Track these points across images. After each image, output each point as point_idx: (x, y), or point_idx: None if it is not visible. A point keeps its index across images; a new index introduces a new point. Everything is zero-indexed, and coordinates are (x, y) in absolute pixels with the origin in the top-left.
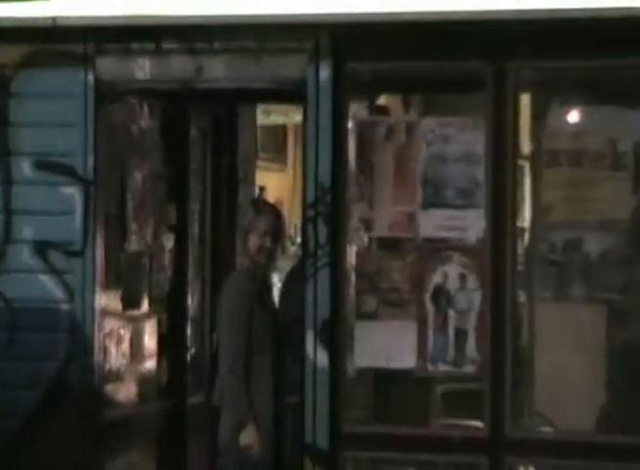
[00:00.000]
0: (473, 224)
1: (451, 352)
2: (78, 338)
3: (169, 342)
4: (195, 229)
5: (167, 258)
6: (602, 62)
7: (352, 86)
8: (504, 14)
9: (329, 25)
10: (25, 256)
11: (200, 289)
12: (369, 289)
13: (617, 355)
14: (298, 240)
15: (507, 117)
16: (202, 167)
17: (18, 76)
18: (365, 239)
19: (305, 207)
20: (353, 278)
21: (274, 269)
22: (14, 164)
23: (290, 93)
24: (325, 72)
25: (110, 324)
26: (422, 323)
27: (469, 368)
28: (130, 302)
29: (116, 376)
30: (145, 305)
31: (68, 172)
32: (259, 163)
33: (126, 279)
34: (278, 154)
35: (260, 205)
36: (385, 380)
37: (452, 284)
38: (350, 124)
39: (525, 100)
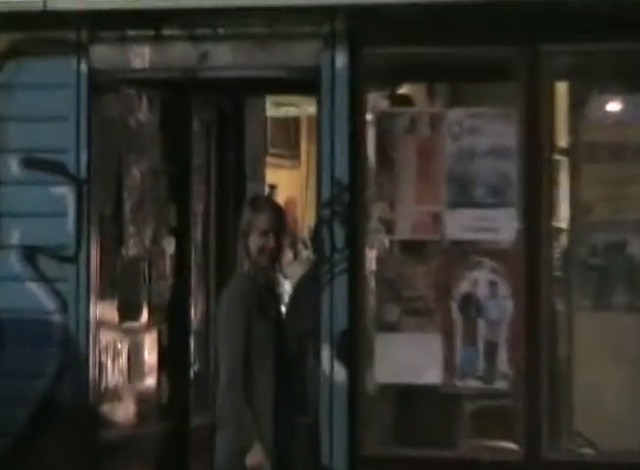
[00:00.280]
0: (504, 225)
1: (481, 367)
2: (71, 352)
3: (171, 356)
4: (198, 232)
5: (168, 264)
6: None
7: (371, 74)
8: None
9: (345, 7)
10: (13, 262)
11: (204, 298)
12: (390, 297)
13: None
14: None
15: (541, 107)
16: (205, 164)
17: (5, 66)
18: (386, 242)
19: (320, 207)
20: (373, 285)
21: (285, 276)
22: (0, 161)
23: (302, 82)
24: (341, 59)
25: (105, 337)
26: (448, 335)
27: (500, 384)
28: (128, 312)
29: (113, 394)
30: (144, 316)
31: (60, 170)
32: (269, 159)
33: (123, 287)
34: (289, 149)
35: (259, 201)
36: (408, 397)
37: (482, 291)
38: (369, 116)
39: (562, 88)
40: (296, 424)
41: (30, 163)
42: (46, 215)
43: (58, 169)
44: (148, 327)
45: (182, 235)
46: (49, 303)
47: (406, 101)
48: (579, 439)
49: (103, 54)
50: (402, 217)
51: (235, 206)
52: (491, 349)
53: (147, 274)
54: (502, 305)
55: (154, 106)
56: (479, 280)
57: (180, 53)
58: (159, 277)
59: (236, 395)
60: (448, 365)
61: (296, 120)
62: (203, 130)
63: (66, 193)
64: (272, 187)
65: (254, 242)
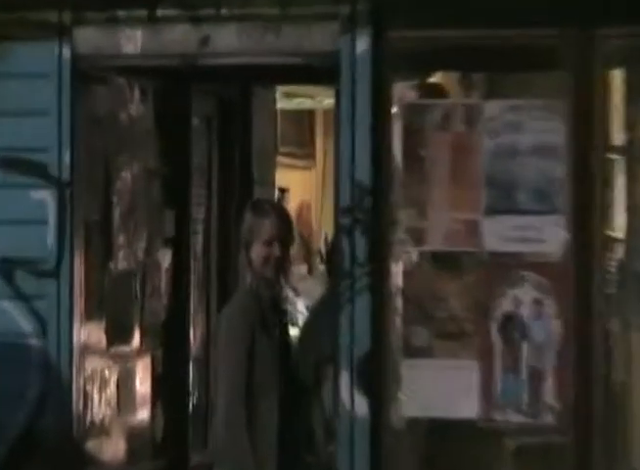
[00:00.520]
0: (551, 235)
1: (525, 398)
2: (52, 381)
3: (166, 386)
4: (198, 242)
5: (164, 280)
6: None
7: (397, 61)
8: None
9: None
10: None
11: (204, 319)
12: (419, 318)
13: None
14: None
15: (593, 100)
16: (206, 165)
17: None
18: (414, 254)
19: (339, 213)
20: (399, 304)
21: (297, 293)
22: None
23: (318, 70)
24: (363, 44)
25: (91, 364)
26: (487, 361)
27: (547, 418)
28: (117, 335)
29: (100, 429)
30: (135, 340)
31: (39, 172)
32: (280, 158)
33: (112, 306)
34: (303, 147)
35: (262, 205)
36: (439, 433)
37: (525, 311)
38: (395, 109)
39: (617, 77)
40: (302, 463)
41: (5, 163)
42: (23, 223)
43: (37, 171)
44: (140, 352)
45: (179, 246)
46: (26, 324)
47: (437, 91)
48: None
49: (89, 38)
50: (433, 226)
51: (240, 212)
52: (536, 377)
53: (139, 291)
54: (548, 327)
55: (147, 97)
56: (521, 298)
57: (178, 37)
58: (152, 294)
59: (236, 423)
60: (486, 396)
61: (310, 114)
62: (203, 125)
63: (46, 198)
64: (283, 191)
65: (257, 251)
